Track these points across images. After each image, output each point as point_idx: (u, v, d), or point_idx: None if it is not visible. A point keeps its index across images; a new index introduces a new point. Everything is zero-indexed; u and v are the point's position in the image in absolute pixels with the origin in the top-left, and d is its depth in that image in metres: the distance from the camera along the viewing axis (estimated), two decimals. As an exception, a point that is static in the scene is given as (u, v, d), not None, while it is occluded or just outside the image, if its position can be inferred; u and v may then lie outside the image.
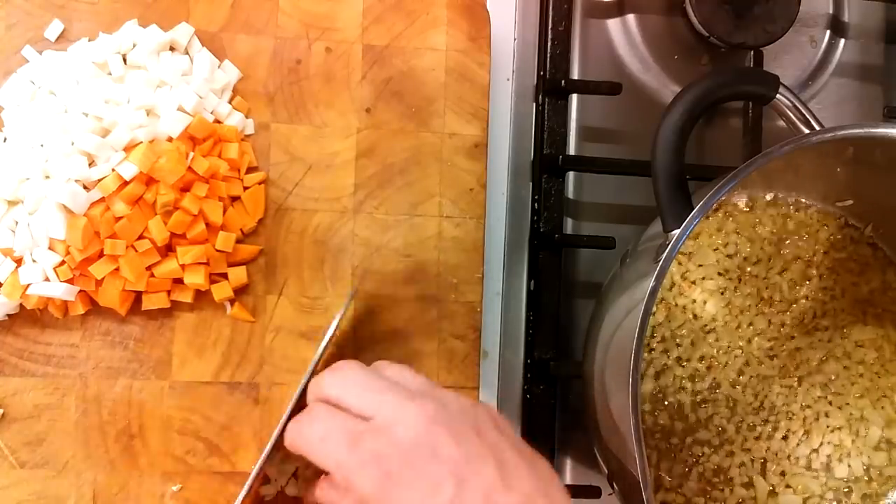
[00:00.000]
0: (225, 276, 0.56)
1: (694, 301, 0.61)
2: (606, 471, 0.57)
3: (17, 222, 0.52)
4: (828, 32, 0.70)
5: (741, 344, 0.61)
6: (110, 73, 0.55)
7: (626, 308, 0.51)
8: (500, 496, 0.41)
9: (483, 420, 0.44)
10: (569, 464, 0.64)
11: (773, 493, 0.60)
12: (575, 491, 0.62)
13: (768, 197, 0.63)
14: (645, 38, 0.67)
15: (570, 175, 0.65)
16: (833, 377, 0.62)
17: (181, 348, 0.56)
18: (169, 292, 0.55)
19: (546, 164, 0.64)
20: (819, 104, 0.69)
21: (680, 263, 0.61)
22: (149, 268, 0.53)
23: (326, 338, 0.53)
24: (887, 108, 0.69)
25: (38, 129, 0.53)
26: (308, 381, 0.49)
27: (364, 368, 0.47)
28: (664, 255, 0.47)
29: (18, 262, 0.52)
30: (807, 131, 0.53)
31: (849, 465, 0.61)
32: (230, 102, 0.57)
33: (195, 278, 0.54)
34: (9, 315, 0.54)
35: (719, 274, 0.61)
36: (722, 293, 0.61)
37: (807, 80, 0.70)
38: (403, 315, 0.58)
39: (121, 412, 0.55)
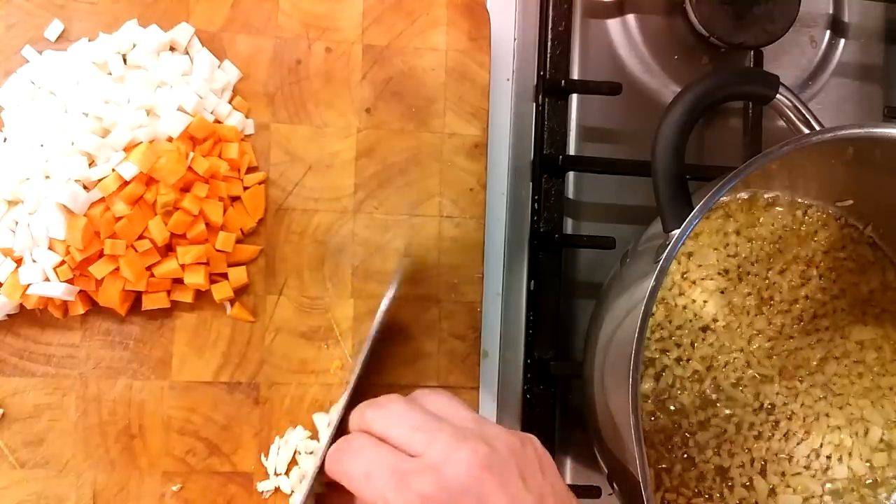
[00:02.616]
0: (225, 276, 0.56)
1: (694, 301, 0.61)
2: (606, 471, 0.57)
3: (17, 222, 0.52)
4: (828, 32, 0.70)
5: (741, 344, 0.61)
6: (110, 73, 0.55)
7: (626, 308, 0.51)
8: None
9: (529, 461, 0.44)
10: (569, 464, 0.63)
11: (773, 493, 0.60)
12: (575, 491, 0.62)
13: (768, 197, 0.63)
14: (645, 38, 0.67)
15: (570, 175, 0.65)
16: (833, 377, 0.62)
17: (181, 348, 0.56)
18: (169, 292, 0.55)
19: (546, 164, 0.64)
20: (819, 104, 0.69)
21: (680, 263, 0.61)
22: (149, 268, 0.53)
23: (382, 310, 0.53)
24: (887, 108, 0.69)
25: (38, 129, 0.53)
26: (356, 382, 0.49)
27: (408, 402, 0.46)
28: (664, 255, 0.47)
29: (18, 262, 0.52)
30: (807, 131, 0.53)
31: (849, 466, 0.61)
32: (230, 102, 0.57)
33: (195, 278, 0.54)
34: (9, 315, 0.54)
35: (719, 274, 0.61)
36: (722, 293, 0.61)
37: (807, 80, 0.70)
38: (403, 315, 0.58)
39: (121, 412, 0.55)
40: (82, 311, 0.54)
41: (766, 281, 0.62)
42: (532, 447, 0.45)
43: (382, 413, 0.45)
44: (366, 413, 0.46)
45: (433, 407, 0.46)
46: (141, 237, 0.53)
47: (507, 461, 0.43)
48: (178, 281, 0.54)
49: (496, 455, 0.42)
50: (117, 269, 0.52)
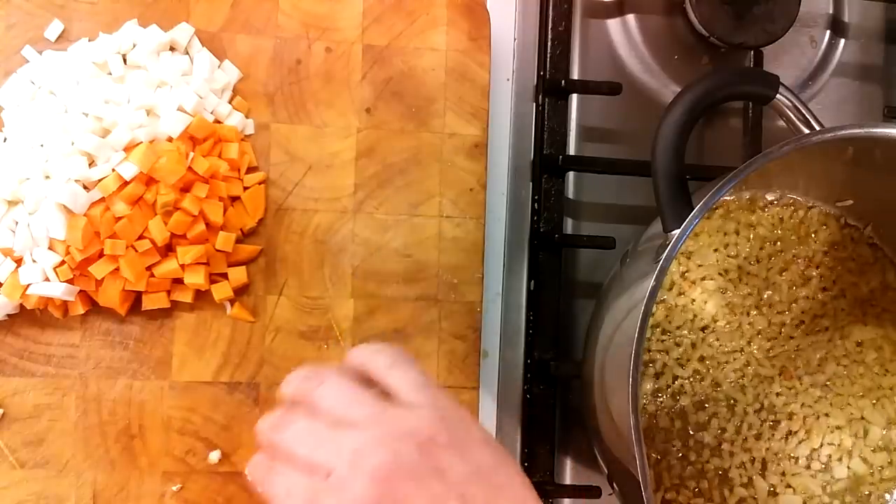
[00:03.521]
0: (225, 276, 0.56)
1: (694, 301, 0.61)
2: (606, 471, 0.57)
3: (17, 222, 0.52)
4: (828, 32, 0.70)
5: (741, 344, 0.61)
6: (110, 73, 0.55)
7: (626, 308, 0.51)
8: None
9: (442, 447, 0.41)
10: (569, 464, 0.63)
11: (773, 493, 0.60)
12: (575, 491, 0.62)
13: (768, 197, 0.63)
14: (645, 38, 0.67)
15: (570, 175, 0.65)
16: (833, 377, 0.62)
17: (181, 348, 0.56)
18: (169, 292, 0.55)
19: (546, 164, 0.64)
20: (819, 104, 0.69)
21: (680, 263, 0.61)
22: (149, 268, 0.53)
23: None
24: (887, 108, 0.69)
25: (38, 129, 0.53)
26: None
27: (307, 415, 0.43)
28: (664, 255, 0.47)
29: (18, 262, 0.52)
30: (807, 131, 0.53)
31: (849, 466, 0.61)
32: (230, 102, 0.57)
33: (195, 278, 0.54)
34: (9, 315, 0.54)
35: (719, 274, 0.61)
36: (722, 293, 0.61)
37: (807, 80, 0.70)
38: (403, 315, 0.58)
39: (121, 412, 0.55)
40: (82, 311, 0.54)
41: (766, 281, 0.62)
42: (444, 425, 0.42)
43: (286, 435, 0.43)
44: (269, 435, 0.43)
45: (337, 404, 0.43)
46: (141, 237, 0.53)
47: (417, 458, 0.41)
48: (178, 281, 0.54)
49: (402, 458, 0.40)
50: (117, 269, 0.52)
